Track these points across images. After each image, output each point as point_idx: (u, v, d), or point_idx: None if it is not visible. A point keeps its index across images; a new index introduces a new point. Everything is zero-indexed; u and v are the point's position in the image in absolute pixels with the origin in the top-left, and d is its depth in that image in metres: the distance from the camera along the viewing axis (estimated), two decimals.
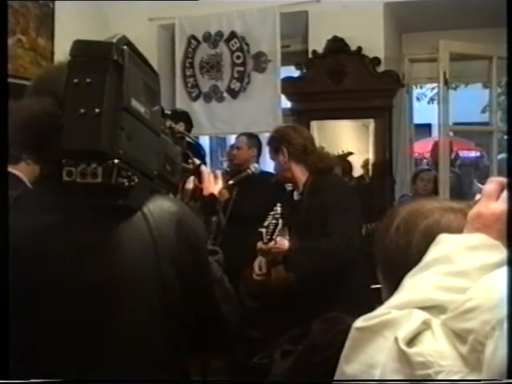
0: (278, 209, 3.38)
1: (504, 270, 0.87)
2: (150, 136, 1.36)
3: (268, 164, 4.96)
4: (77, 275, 1.28)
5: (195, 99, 5.67)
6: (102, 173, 1.19)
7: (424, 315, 0.89)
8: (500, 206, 0.98)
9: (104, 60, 1.21)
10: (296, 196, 3.51)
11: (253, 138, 5.06)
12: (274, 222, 3.31)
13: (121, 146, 1.21)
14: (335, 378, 0.94)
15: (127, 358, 1.30)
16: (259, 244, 3.39)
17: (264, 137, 4.91)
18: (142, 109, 1.30)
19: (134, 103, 1.26)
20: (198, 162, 1.76)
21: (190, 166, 1.73)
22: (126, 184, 1.23)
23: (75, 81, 1.20)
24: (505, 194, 0.98)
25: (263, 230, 3.32)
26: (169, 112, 1.64)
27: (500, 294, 0.81)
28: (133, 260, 1.30)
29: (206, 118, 5.62)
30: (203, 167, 1.76)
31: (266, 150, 4.30)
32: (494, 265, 0.91)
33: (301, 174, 3.43)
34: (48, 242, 1.29)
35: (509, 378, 0.75)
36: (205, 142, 9.50)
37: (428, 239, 1.07)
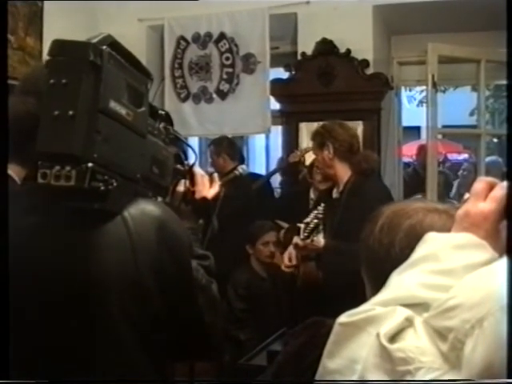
0: (321, 208, 3.33)
1: (488, 268, 0.87)
2: (132, 138, 1.33)
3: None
4: (53, 278, 1.26)
5: (184, 100, 5.64)
6: (76, 176, 1.17)
7: (407, 312, 0.89)
8: (488, 205, 0.98)
9: (80, 60, 1.19)
10: (335, 194, 3.48)
11: (220, 146, 5.09)
12: (315, 221, 3.26)
13: (95, 150, 1.19)
14: (317, 373, 0.94)
15: (105, 365, 1.29)
16: (295, 239, 3.33)
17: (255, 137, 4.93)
18: (123, 110, 1.27)
19: (113, 105, 1.24)
20: (191, 163, 1.70)
21: (182, 168, 1.68)
22: (102, 188, 1.21)
23: (51, 81, 1.18)
24: (493, 193, 0.98)
25: (302, 226, 3.27)
26: (162, 112, 1.61)
27: (482, 292, 0.81)
28: (110, 265, 1.28)
29: (194, 118, 5.60)
30: (197, 169, 1.71)
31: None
32: (480, 264, 0.91)
33: (343, 172, 3.40)
34: (26, 244, 1.27)
35: (509, 377, 0.75)
36: (194, 143, 9.50)
37: (411, 239, 1.09)
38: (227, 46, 5.47)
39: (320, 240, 3.23)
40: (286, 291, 3.89)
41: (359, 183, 3.32)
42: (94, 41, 1.23)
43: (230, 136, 5.52)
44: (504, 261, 0.87)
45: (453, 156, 12.12)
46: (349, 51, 5.01)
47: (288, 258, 3.50)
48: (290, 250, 3.51)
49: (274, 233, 4.37)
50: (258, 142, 12.20)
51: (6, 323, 1.14)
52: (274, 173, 5.59)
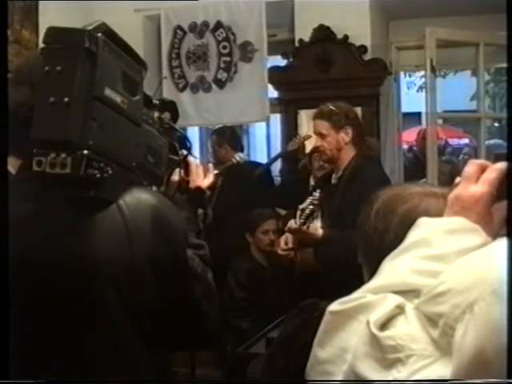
0: (317, 194, 3.22)
1: (479, 252, 0.86)
2: (127, 126, 1.32)
3: None
4: (48, 267, 1.26)
5: (182, 90, 5.63)
6: (71, 163, 1.16)
7: (398, 299, 0.88)
8: (479, 188, 0.97)
9: (75, 47, 1.18)
10: (333, 180, 3.43)
11: (223, 136, 5.07)
12: (311, 207, 3.17)
13: (91, 137, 1.18)
14: (309, 363, 0.93)
15: (101, 352, 1.29)
16: (290, 222, 3.26)
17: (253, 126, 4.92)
18: (118, 98, 1.26)
19: (109, 92, 1.23)
20: (185, 153, 1.70)
21: (177, 158, 1.68)
22: (98, 175, 1.20)
23: (46, 69, 1.17)
24: (485, 175, 0.97)
25: (298, 212, 3.19)
26: (157, 102, 1.61)
27: (472, 276, 0.80)
28: (106, 253, 1.27)
29: (193, 108, 5.58)
30: (191, 159, 1.70)
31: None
32: (473, 248, 0.89)
33: (347, 157, 3.34)
34: (22, 232, 1.27)
35: (509, 377, 0.73)
36: (194, 132, 9.47)
37: (406, 224, 1.06)
38: (224, 34, 5.45)
39: (316, 227, 3.18)
40: (287, 279, 3.87)
41: (359, 168, 3.28)
42: (89, 28, 1.23)
43: (229, 125, 5.50)
44: (496, 244, 0.86)
45: (454, 141, 12.08)
46: (346, 37, 4.99)
47: (284, 242, 3.47)
48: (287, 234, 3.47)
49: (274, 221, 4.35)
50: (258, 131, 12.17)
51: (6, 323, 1.14)
52: (273, 161, 5.57)
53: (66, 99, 1.15)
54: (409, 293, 0.89)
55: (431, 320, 0.82)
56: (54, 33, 1.22)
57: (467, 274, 0.81)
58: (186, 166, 1.65)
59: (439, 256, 0.92)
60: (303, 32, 5.13)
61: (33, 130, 1.17)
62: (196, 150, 10.02)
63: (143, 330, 1.32)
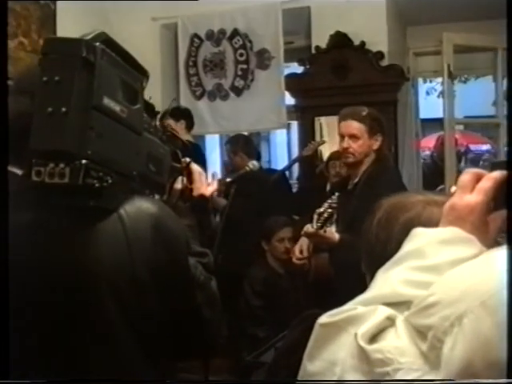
0: (335, 198, 3.16)
1: (470, 263, 0.83)
2: (127, 135, 1.31)
3: None
4: (48, 276, 1.26)
5: (199, 98, 5.65)
6: (70, 173, 1.16)
7: (389, 311, 0.86)
8: (474, 197, 0.94)
9: (73, 57, 1.17)
10: (350, 186, 3.39)
11: (236, 144, 5.07)
12: (329, 210, 3.10)
13: (89, 146, 1.17)
14: (299, 375, 0.91)
15: (100, 360, 1.28)
16: (307, 226, 3.18)
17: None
18: (117, 107, 1.26)
19: (107, 101, 1.23)
20: (187, 160, 1.68)
21: (179, 166, 1.67)
22: (97, 185, 1.19)
23: (44, 79, 1.17)
24: (480, 184, 0.95)
25: (315, 216, 3.13)
26: (159, 111, 1.60)
27: (462, 288, 0.78)
28: (105, 262, 1.27)
29: (210, 116, 5.61)
30: (194, 166, 1.68)
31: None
32: (467, 259, 0.87)
33: (368, 163, 3.31)
34: (22, 242, 1.27)
35: (509, 377, 0.72)
36: (215, 139, 9.50)
37: (408, 232, 1.04)
38: (241, 42, 5.47)
39: (332, 231, 3.13)
40: (302, 286, 3.84)
41: (375, 175, 3.25)
42: (88, 37, 1.22)
43: (245, 133, 5.50)
44: (487, 255, 0.83)
45: (475, 147, 11.98)
46: (363, 43, 4.97)
47: (299, 250, 3.43)
48: (301, 241, 3.44)
49: (290, 229, 4.31)
50: (279, 138, 12.19)
51: (6, 323, 1.14)
52: (289, 167, 5.56)
53: (64, 109, 1.15)
54: (401, 304, 0.87)
55: (420, 332, 0.80)
56: (52, 43, 1.22)
57: (456, 286, 0.79)
58: (188, 173, 1.64)
59: (432, 267, 0.89)
60: (320, 39, 5.13)
61: (31, 140, 1.16)
62: (217, 158, 10.05)
63: (143, 338, 1.31)
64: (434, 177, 6.17)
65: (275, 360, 1.33)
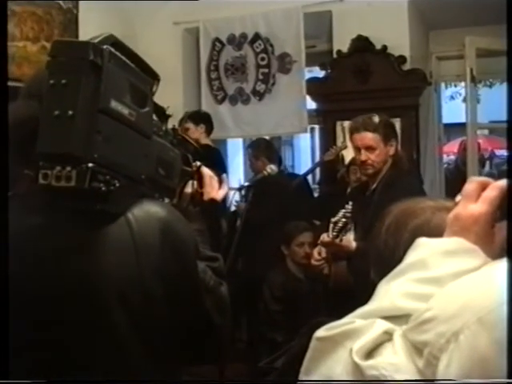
0: (349, 207, 3.12)
1: (469, 277, 0.81)
2: (135, 138, 1.30)
3: None
4: (54, 280, 1.25)
5: (221, 102, 5.66)
6: (76, 177, 1.15)
7: (387, 325, 0.84)
8: (479, 207, 0.91)
9: (80, 60, 1.18)
10: (368, 191, 3.36)
11: (258, 148, 5.06)
12: (343, 220, 3.09)
13: (96, 150, 1.17)
14: None
15: (106, 366, 1.27)
16: (323, 235, 3.17)
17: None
18: (125, 110, 1.25)
19: (115, 104, 1.22)
20: (198, 164, 1.67)
21: (190, 169, 1.65)
22: (104, 188, 1.19)
23: (51, 82, 1.17)
24: (485, 194, 0.91)
25: (330, 225, 3.12)
26: (171, 114, 1.59)
27: (459, 303, 0.75)
28: (112, 266, 1.26)
29: (231, 120, 5.61)
30: (205, 170, 1.67)
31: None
32: (470, 270, 0.84)
33: (385, 169, 3.28)
34: (30, 244, 1.27)
35: (509, 377, 0.69)
36: (238, 144, 9.51)
37: (417, 239, 1.02)
38: (262, 46, 5.46)
39: (350, 239, 3.11)
40: (322, 292, 3.82)
41: (393, 180, 3.22)
42: (96, 40, 1.22)
43: (267, 137, 5.48)
44: (485, 269, 0.81)
45: (501, 152, 11.85)
46: (385, 48, 4.93)
47: (318, 253, 3.39)
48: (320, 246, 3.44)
49: (310, 233, 4.28)
50: (302, 143, 12.16)
51: (6, 323, 1.13)
52: (310, 171, 5.54)
53: (71, 112, 1.15)
54: (400, 318, 0.85)
55: (417, 348, 0.77)
56: (60, 46, 1.22)
57: (454, 301, 0.77)
58: (199, 177, 1.63)
59: (435, 279, 0.86)
60: (341, 43, 5.10)
61: (38, 142, 1.16)
62: (240, 162, 10.05)
63: (149, 345, 1.30)
64: (457, 182, 6.10)
65: (283, 367, 1.31)
